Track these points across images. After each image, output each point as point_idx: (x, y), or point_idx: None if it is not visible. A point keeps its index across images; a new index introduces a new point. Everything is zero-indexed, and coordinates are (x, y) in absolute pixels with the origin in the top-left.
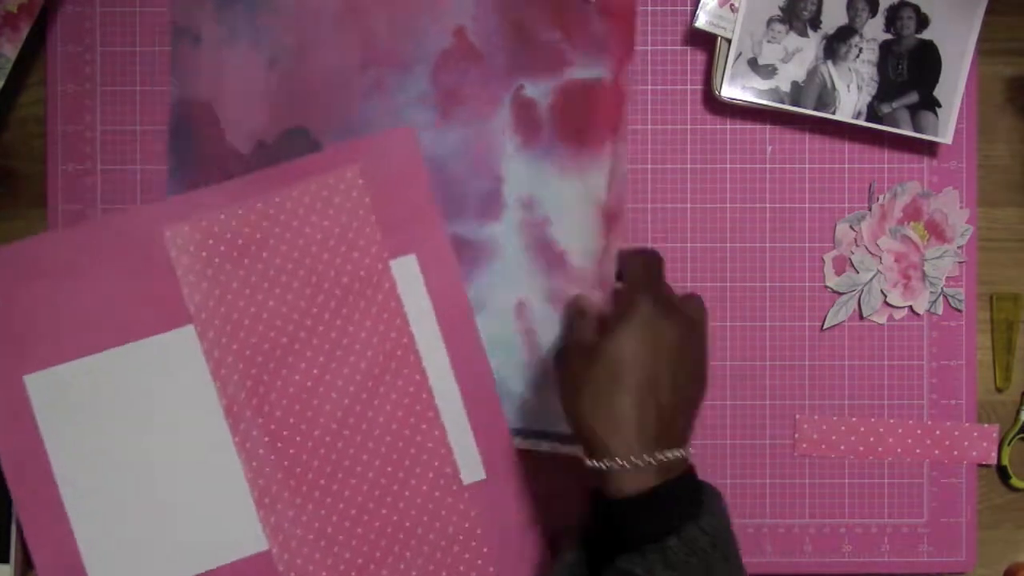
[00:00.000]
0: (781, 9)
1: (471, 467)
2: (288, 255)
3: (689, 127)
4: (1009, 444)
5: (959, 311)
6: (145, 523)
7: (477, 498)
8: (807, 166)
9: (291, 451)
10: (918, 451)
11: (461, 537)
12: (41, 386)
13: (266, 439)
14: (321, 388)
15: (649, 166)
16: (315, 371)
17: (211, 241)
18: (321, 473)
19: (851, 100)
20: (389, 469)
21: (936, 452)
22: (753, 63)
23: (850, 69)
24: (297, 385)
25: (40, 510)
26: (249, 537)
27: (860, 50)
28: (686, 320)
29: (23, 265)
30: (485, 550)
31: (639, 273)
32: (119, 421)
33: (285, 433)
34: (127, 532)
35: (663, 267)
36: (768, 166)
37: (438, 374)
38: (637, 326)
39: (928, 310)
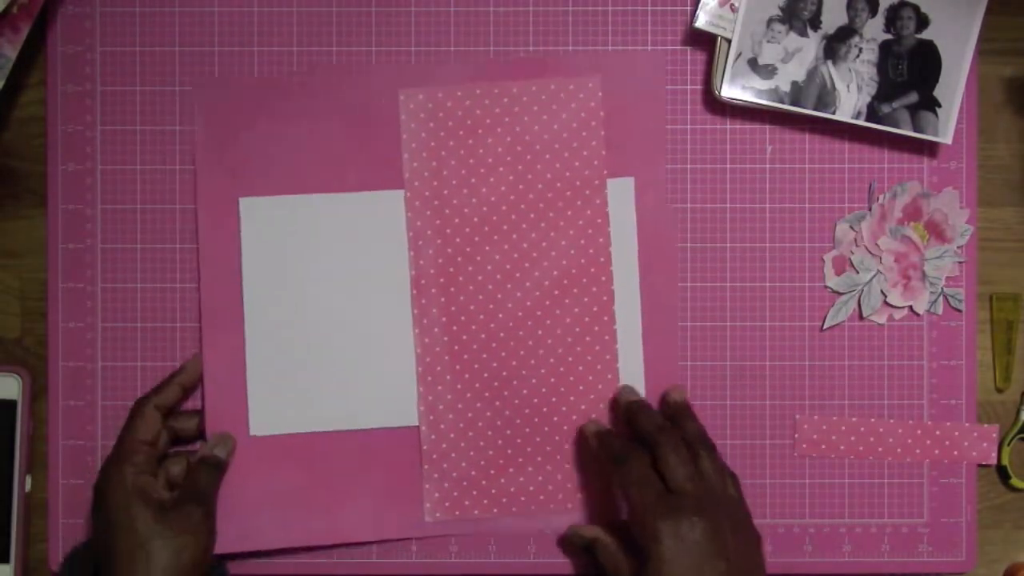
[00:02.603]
0: (781, 9)
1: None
2: (511, 146)
3: (689, 127)
4: (1009, 444)
5: (959, 311)
6: (312, 366)
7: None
8: (807, 166)
9: (464, 337)
10: (918, 451)
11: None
12: (252, 210)
13: (443, 319)
14: (509, 284)
15: None
16: (507, 266)
17: (441, 114)
18: (487, 366)
19: (851, 100)
20: (552, 380)
21: (936, 452)
22: (753, 63)
23: (850, 69)
24: (486, 275)
25: (220, 324)
26: (403, 410)
27: (860, 50)
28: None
29: (260, 96)
30: None
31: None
32: (312, 262)
33: (463, 318)
34: (293, 367)
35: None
36: (768, 166)
37: (625, 300)
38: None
39: (928, 310)
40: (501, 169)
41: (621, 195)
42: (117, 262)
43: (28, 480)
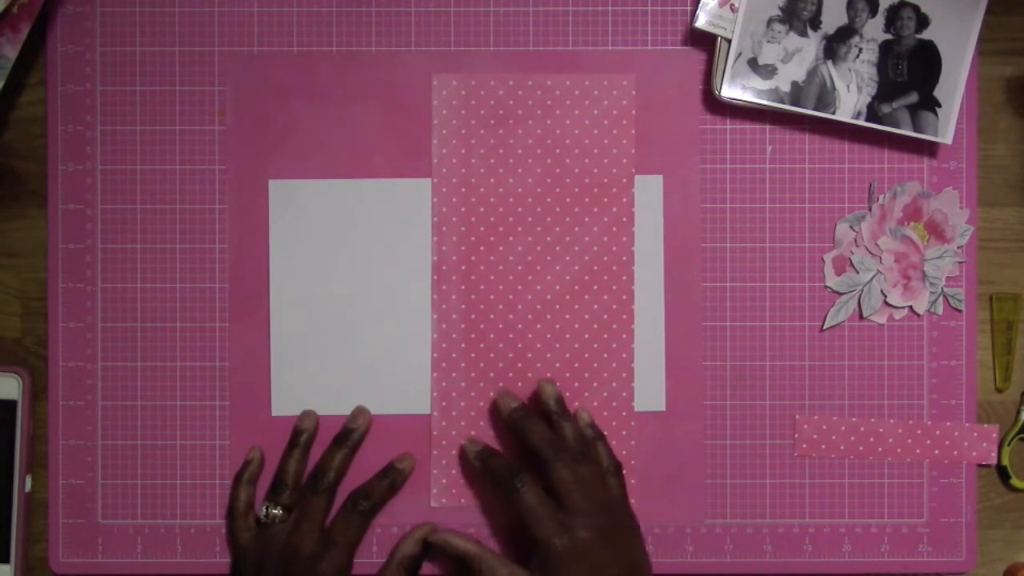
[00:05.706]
0: (781, 9)
1: (650, 397)
2: (541, 139)
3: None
4: (1009, 444)
5: (959, 311)
6: (334, 348)
7: (645, 429)
8: (807, 166)
9: (481, 326)
10: (918, 451)
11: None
12: (281, 193)
13: (462, 307)
14: (529, 276)
15: None
16: (529, 258)
17: (473, 101)
18: (502, 356)
19: (851, 100)
20: (567, 375)
21: (936, 452)
22: (753, 63)
23: (850, 69)
24: (508, 265)
25: (246, 304)
26: (417, 396)
27: (860, 50)
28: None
29: (294, 77)
30: (632, 481)
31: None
32: (338, 246)
33: (481, 307)
34: (315, 349)
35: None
36: (768, 166)
37: (646, 300)
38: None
39: (928, 310)
40: (530, 161)
41: (649, 192)
42: (117, 262)
43: (28, 480)
